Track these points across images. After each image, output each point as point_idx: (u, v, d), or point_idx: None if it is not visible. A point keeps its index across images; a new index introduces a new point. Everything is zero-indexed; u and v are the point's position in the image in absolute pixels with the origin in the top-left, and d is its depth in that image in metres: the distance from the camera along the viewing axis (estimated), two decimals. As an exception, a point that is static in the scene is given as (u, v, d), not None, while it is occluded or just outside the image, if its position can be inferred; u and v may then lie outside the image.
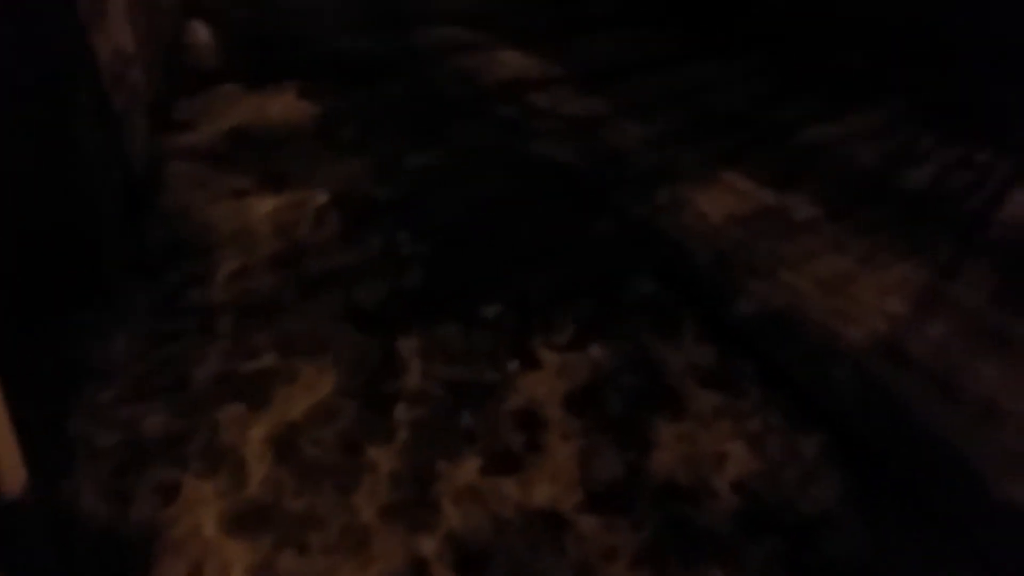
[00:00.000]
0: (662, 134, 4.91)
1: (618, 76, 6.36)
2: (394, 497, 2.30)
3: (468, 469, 2.32)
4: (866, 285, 3.05)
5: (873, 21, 6.12)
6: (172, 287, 3.49)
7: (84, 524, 2.26)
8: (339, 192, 4.39)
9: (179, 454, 2.51)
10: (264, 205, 4.33)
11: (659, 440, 2.45)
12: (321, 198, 4.33)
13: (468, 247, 3.68)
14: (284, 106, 6.01)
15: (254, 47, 7.82)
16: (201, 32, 8.22)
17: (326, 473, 2.38)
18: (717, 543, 2.19)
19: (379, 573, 2.10)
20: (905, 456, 2.44)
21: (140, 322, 3.19)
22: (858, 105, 5.09)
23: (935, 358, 2.67)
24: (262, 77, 6.72)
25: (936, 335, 2.79)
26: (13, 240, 2.99)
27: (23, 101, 2.94)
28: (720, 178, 4.10)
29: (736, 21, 7.19)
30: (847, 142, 4.50)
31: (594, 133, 5.00)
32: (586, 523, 2.21)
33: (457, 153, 4.81)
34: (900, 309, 2.91)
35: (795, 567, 2.13)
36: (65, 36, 3.07)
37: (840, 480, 2.32)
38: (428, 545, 2.16)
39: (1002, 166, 4.01)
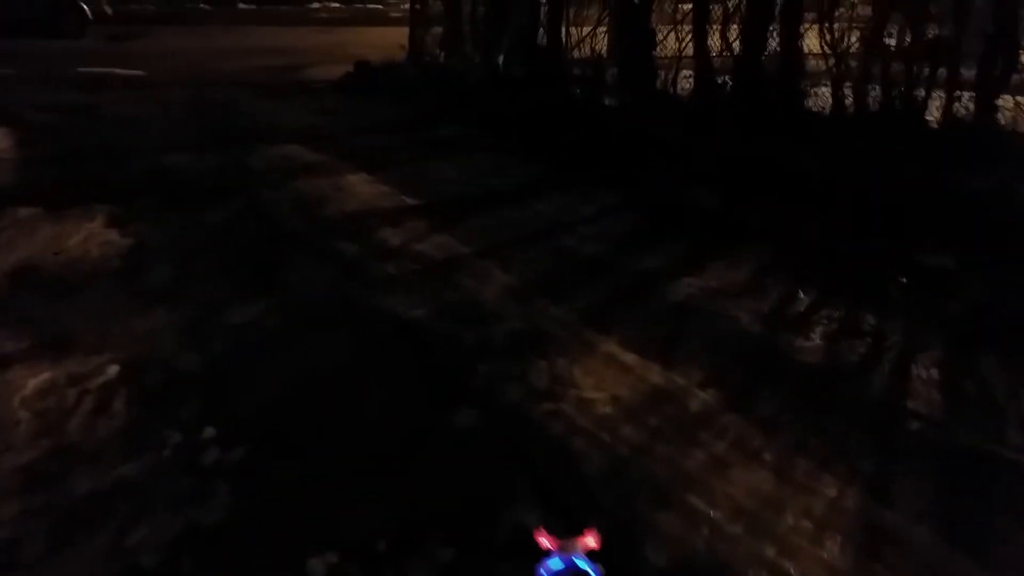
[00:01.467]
0: (524, 283, 4.11)
1: (472, 208, 5.58)
2: None
3: None
4: (794, 518, 2.26)
5: (726, 159, 5.72)
6: None
7: None
8: (134, 362, 3.22)
9: None
10: (32, 380, 3.11)
11: None
12: (109, 371, 3.16)
13: (293, 454, 2.64)
14: (87, 237, 4.76)
15: (65, 161, 6.47)
16: None
17: None
18: None
19: None
20: None
21: None
22: (720, 252, 4.53)
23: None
24: (68, 199, 5.44)
25: (895, 596, 2.02)
26: None
27: None
28: (598, 348, 3.30)
29: (589, 152, 6.70)
30: (718, 300, 3.84)
31: (450, 280, 4.13)
32: None
33: (289, 307, 3.77)
34: (843, 558, 2.11)
35: None
36: None
37: None
38: None
39: (891, 334, 3.42)
